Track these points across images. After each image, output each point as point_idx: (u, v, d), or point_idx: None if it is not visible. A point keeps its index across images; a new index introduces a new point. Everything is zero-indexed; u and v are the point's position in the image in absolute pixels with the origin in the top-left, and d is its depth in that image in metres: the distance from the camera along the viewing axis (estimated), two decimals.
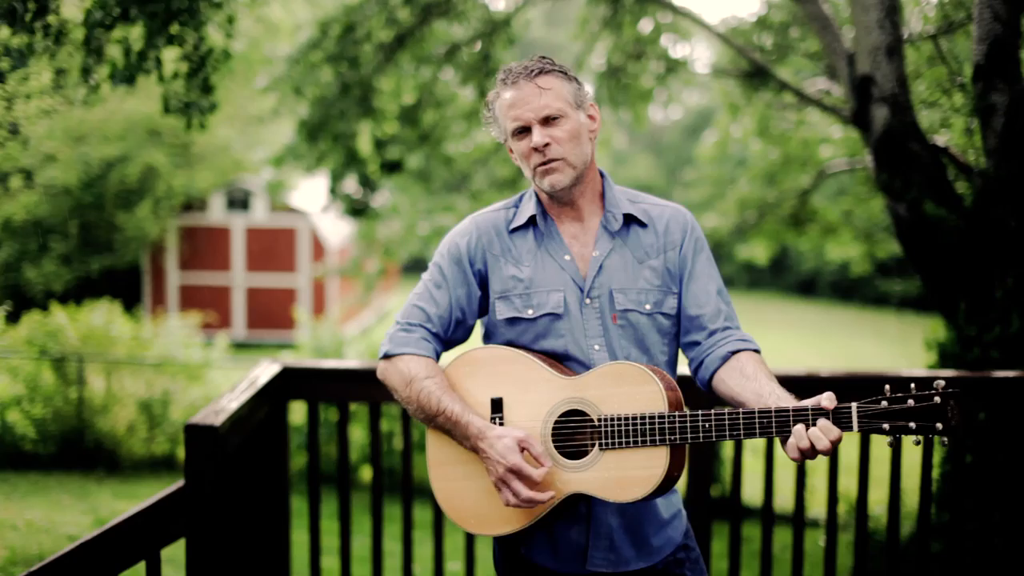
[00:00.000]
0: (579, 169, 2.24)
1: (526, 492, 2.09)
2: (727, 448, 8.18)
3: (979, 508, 4.23)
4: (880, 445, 3.76)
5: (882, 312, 28.48)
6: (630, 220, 2.31)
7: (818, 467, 4.25)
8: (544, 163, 2.21)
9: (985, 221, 4.49)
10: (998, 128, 4.35)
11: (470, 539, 3.73)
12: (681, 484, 2.74)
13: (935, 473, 4.41)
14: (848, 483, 5.04)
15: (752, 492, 7.41)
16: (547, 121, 2.20)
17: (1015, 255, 4.40)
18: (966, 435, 4.33)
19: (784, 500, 6.19)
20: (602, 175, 2.35)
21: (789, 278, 34.29)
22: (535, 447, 2.11)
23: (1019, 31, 4.30)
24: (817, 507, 7.71)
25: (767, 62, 7.92)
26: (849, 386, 3.52)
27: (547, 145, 2.19)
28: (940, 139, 5.09)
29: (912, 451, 3.70)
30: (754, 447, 8.08)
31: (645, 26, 8.77)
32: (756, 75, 7.89)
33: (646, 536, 2.26)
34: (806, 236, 11.25)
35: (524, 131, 2.23)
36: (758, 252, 12.11)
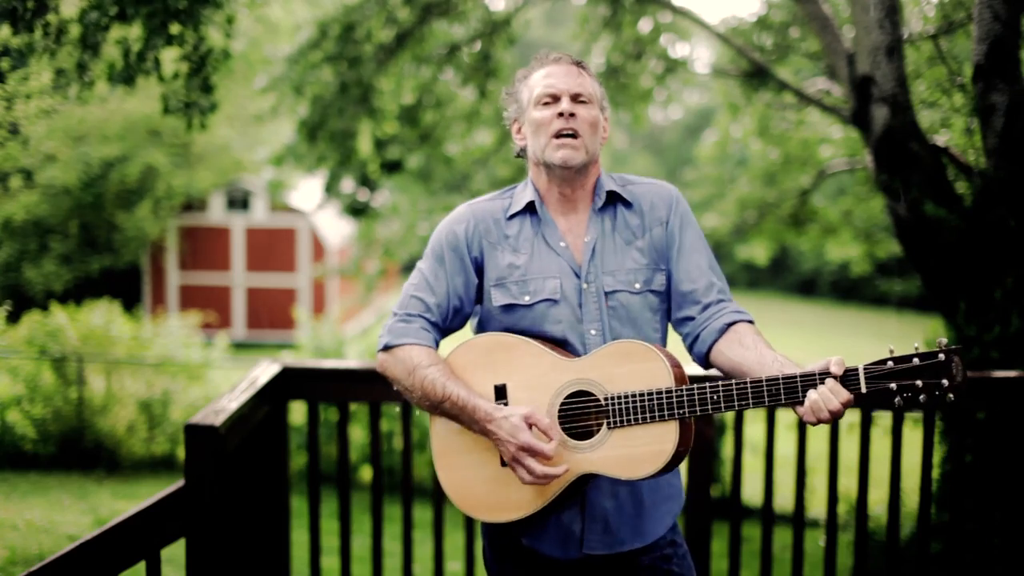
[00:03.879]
0: (590, 156, 2.28)
1: (540, 468, 2.08)
2: (727, 448, 8.19)
3: (979, 508, 4.23)
4: (880, 445, 3.76)
5: (882, 312, 28.48)
6: (615, 199, 2.33)
7: (818, 467, 4.25)
8: (565, 132, 2.24)
9: (985, 221, 4.48)
10: (998, 128, 4.35)
11: (470, 539, 3.73)
12: (681, 484, 2.72)
13: (935, 473, 4.41)
14: (848, 483, 5.04)
15: (752, 492, 7.41)
16: (576, 98, 2.27)
17: (1015, 255, 4.40)
18: (966, 435, 4.33)
19: (784, 500, 6.19)
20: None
21: (789, 278, 34.29)
22: (542, 421, 2.11)
23: (1019, 31, 4.29)
24: (817, 507, 7.70)
25: (767, 62, 7.91)
26: None
27: (572, 115, 2.25)
28: (940, 139, 5.08)
29: (912, 451, 3.71)
30: (754, 446, 8.08)
31: (645, 26, 8.76)
32: (756, 75, 7.89)
33: (639, 516, 2.28)
34: (806, 236, 11.25)
35: (552, 100, 2.28)
36: (758, 252, 12.12)
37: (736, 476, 3.67)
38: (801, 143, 9.60)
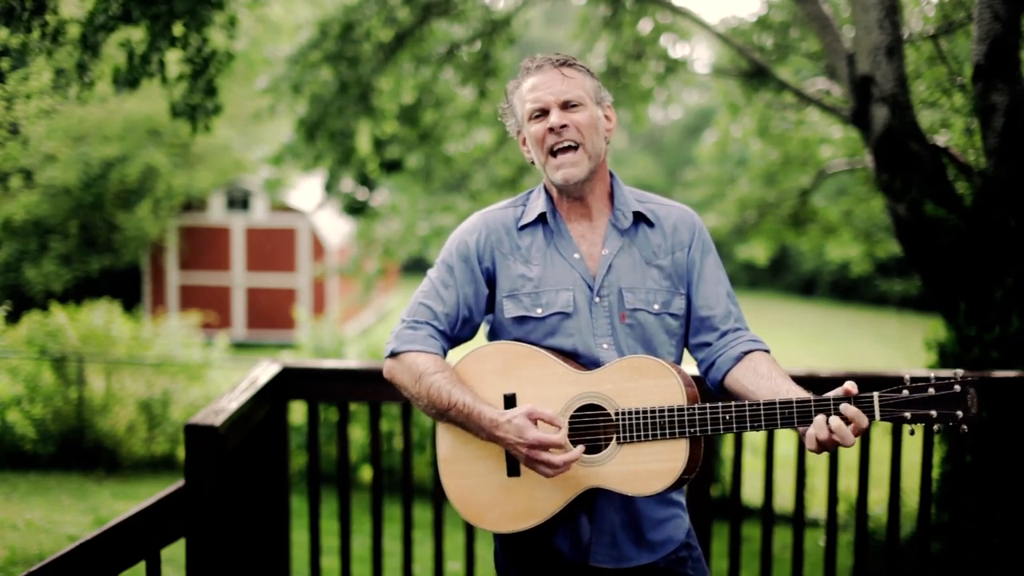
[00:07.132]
0: (594, 161, 2.24)
1: (557, 458, 2.07)
2: (727, 448, 8.19)
3: (979, 508, 4.23)
4: (880, 444, 3.76)
5: (882, 312, 28.47)
6: (639, 219, 2.32)
7: (818, 467, 4.26)
8: (559, 146, 2.21)
9: (985, 221, 4.48)
10: (998, 128, 4.35)
11: (470, 539, 3.73)
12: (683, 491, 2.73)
13: (935, 473, 4.41)
14: (848, 483, 5.04)
15: (752, 492, 7.41)
16: (566, 106, 2.22)
17: (1015, 255, 4.40)
18: (966, 435, 4.33)
19: (784, 500, 6.19)
20: (611, 175, 2.36)
21: (789, 278, 34.28)
22: (544, 413, 2.10)
23: (1019, 31, 4.29)
24: (817, 507, 7.71)
25: (767, 62, 7.91)
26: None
27: (564, 127, 2.20)
28: (940, 139, 5.08)
29: (912, 451, 3.71)
30: (754, 446, 8.08)
31: (645, 26, 8.76)
32: (756, 75, 7.89)
33: (644, 532, 2.26)
34: (806, 236, 11.25)
35: (542, 114, 2.24)
36: (758, 252, 12.10)
37: (736, 476, 3.67)
38: (801, 143, 9.60)
